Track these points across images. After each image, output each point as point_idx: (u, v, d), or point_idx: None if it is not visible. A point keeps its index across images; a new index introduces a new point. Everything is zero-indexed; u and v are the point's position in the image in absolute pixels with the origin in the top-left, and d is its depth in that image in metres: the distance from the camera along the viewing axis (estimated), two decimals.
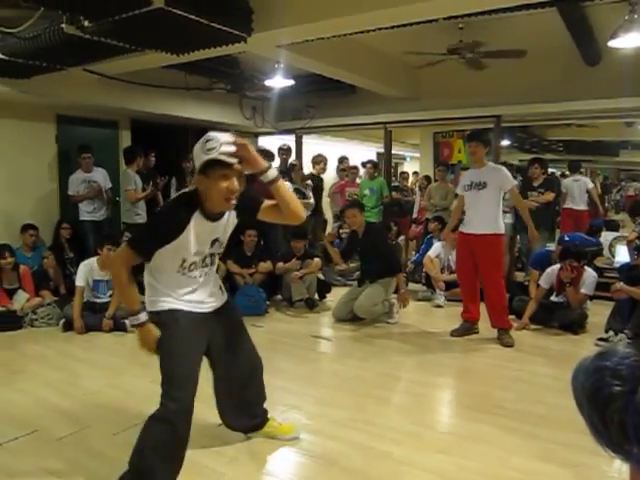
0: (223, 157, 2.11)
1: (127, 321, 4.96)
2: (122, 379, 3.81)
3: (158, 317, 2.28)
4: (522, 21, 5.13)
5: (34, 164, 6.84)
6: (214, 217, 2.28)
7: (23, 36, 4.37)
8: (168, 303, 2.28)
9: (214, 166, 2.13)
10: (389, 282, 5.32)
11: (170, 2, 3.38)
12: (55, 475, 2.49)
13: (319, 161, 7.75)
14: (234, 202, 2.21)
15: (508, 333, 4.65)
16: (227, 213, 2.33)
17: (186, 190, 2.33)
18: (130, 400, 3.40)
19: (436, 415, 3.37)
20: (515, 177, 7.04)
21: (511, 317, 5.26)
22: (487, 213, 4.57)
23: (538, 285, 5.22)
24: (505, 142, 9.19)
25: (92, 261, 5.13)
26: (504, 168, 4.76)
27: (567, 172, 8.64)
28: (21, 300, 5.23)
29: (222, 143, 2.12)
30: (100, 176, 6.72)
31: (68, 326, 4.99)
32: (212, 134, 2.18)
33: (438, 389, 3.77)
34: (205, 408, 3.12)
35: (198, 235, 2.24)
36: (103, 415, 3.17)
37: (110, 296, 5.09)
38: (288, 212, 2.38)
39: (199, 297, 2.37)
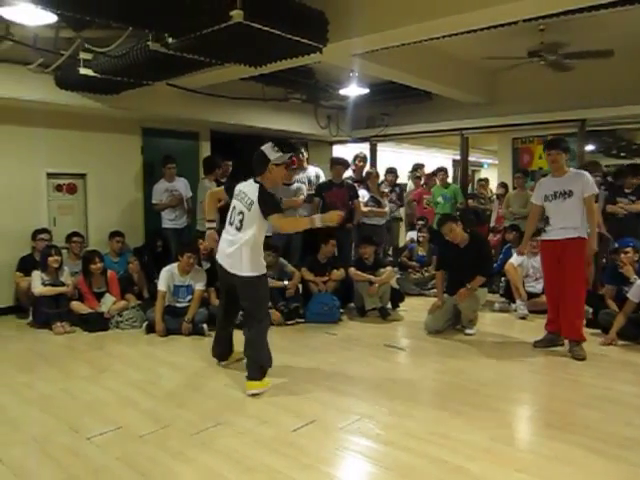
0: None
1: (205, 325, 5.15)
2: (200, 381, 3.94)
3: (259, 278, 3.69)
4: (607, 19, 4.90)
5: (122, 174, 7.24)
6: None
7: (113, 54, 4.66)
8: None
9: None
10: (485, 291, 5.43)
11: (249, 16, 3.49)
12: (136, 471, 2.61)
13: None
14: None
15: (580, 345, 4.44)
16: None
17: None
18: (208, 402, 3.50)
19: (515, 432, 3.24)
20: (606, 181, 6.68)
21: (597, 332, 5.02)
22: (573, 220, 4.42)
23: (626, 298, 4.91)
24: (589, 147, 8.74)
25: (173, 267, 5.34)
26: (587, 174, 4.56)
27: None
28: (108, 303, 5.54)
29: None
30: (182, 185, 7.01)
31: (150, 329, 5.22)
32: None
33: (518, 404, 3.62)
34: (280, 416, 3.18)
35: None
36: (182, 415, 3.28)
37: (189, 301, 5.27)
38: None
39: None
